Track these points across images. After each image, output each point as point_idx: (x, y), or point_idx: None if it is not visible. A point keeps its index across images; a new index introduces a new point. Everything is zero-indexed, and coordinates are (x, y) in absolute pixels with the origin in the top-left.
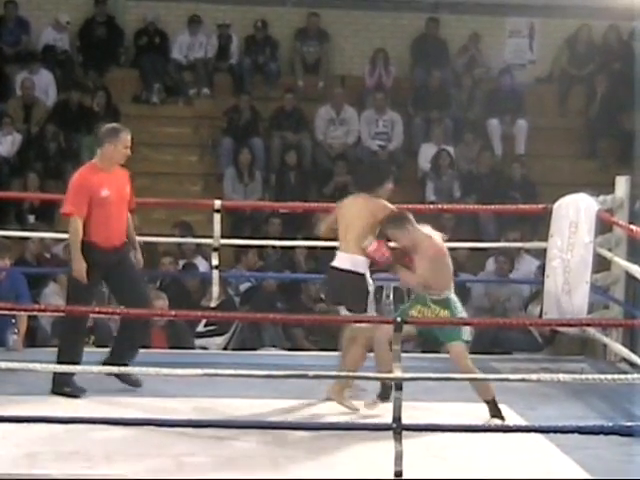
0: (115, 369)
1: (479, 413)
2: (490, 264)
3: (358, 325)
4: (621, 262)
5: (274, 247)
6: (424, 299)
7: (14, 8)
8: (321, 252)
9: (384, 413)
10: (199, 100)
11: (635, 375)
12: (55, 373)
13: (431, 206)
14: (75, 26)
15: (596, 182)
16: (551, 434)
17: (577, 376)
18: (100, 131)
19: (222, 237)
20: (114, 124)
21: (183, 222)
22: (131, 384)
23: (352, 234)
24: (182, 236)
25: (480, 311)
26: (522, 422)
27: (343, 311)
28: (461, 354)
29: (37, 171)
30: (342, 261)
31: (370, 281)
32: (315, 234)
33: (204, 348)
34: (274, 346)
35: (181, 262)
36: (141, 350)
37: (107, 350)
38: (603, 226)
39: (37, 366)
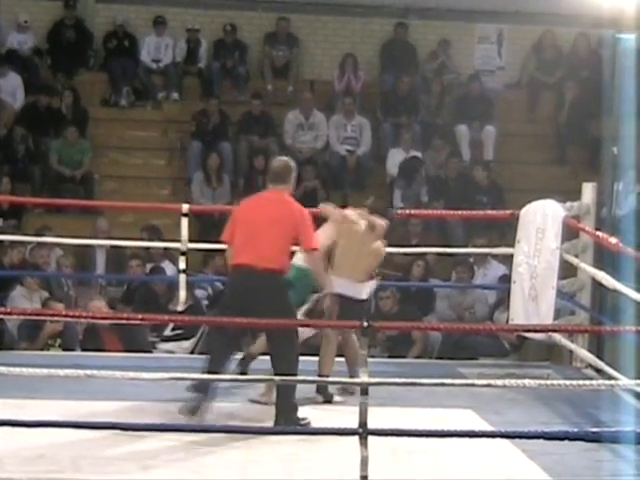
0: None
1: (445, 418)
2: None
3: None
4: (587, 268)
5: None
6: None
7: None
8: None
9: (351, 418)
10: (168, 104)
11: (600, 381)
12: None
13: (399, 211)
14: (44, 29)
15: (564, 188)
16: (517, 439)
17: (543, 382)
18: (285, 165)
19: (190, 241)
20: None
21: (151, 226)
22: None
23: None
24: (150, 239)
25: (447, 315)
26: (488, 427)
27: None
28: None
29: (6, 174)
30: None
31: None
32: None
33: (171, 352)
34: (242, 350)
35: (148, 265)
36: (103, 354)
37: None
38: (570, 232)
39: (3, 369)
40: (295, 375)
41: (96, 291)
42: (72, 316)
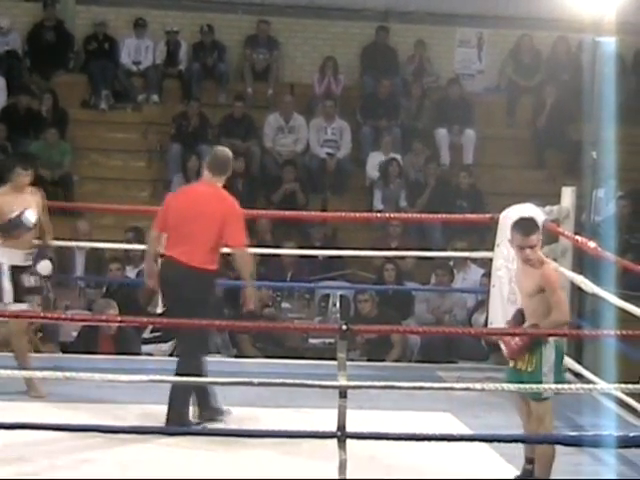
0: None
1: (423, 421)
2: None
3: None
4: (566, 272)
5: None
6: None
7: None
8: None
9: (329, 421)
10: (148, 106)
11: (580, 385)
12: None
13: (378, 214)
14: (24, 30)
15: (543, 192)
16: (495, 443)
17: (522, 385)
18: (224, 157)
19: None
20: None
21: (135, 227)
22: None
23: None
24: (134, 241)
25: (426, 319)
26: (467, 431)
27: None
28: (542, 417)
29: None
30: None
31: None
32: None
33: (150, 354)
34: (220, 353)
35: (128, 268)
36: (88, 356)
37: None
38: (549, 236)
39: None
40: (201, 376)
41: (75, 293)
42: (51, 317)
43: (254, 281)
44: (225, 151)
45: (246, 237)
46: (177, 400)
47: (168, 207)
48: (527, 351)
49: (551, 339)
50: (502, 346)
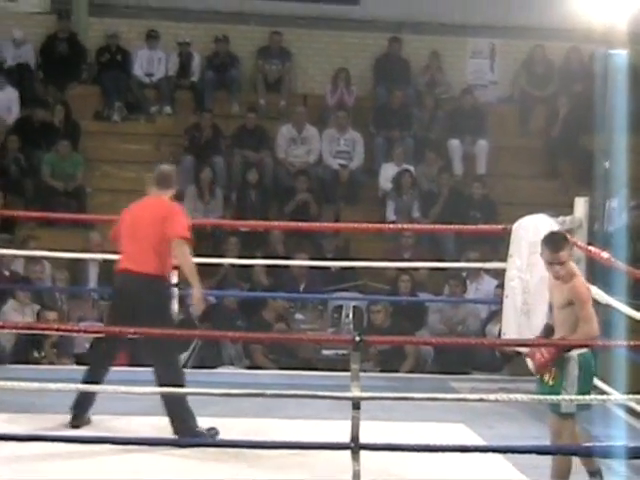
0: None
1: (437, 432)
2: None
3: None
4: None
5: (233, 265)
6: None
7: None
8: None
9: (343, 432)
10: (161, 117)
11: (592, 396)
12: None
13: (391, 225)
14: (38, 42)
15: (556, 202)
16: (509, 454)
17: (535, 396)
18: (168, 173)
19: None
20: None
21: None
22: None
23: None
24: None
25: (439, 329)
26: (480, 441)
27: None
28: (559, 432)
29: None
30: None
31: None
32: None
33: None
34: (233, 364)
35: None
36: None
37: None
38: None
39: None
40: (182, 385)
41: (89, 305)
42: (65, 329)
43: (197, 281)
44: (169, 167)
45: (188, 232)
46: (176, 413)
47: (121, 221)
48: (553, 364)
49: (574, 353)
50: (529, 362)
